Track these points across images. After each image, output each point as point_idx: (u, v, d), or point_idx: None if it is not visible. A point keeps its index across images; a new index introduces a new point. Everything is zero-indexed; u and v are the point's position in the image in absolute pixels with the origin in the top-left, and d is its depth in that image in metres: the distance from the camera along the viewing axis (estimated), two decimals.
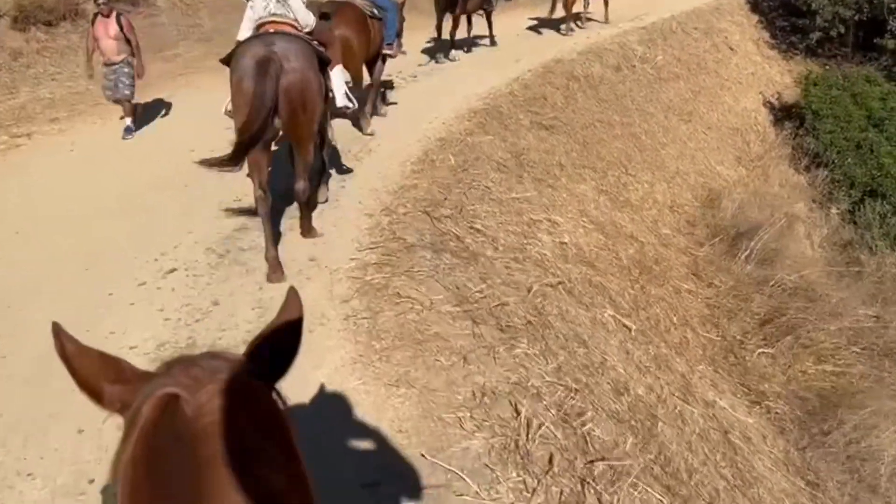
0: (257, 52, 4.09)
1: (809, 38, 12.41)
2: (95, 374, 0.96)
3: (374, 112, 7.41)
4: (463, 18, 10.08)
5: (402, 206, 5.18)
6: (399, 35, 7.69)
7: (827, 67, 11.68)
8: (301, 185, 4.52)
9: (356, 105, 5.35)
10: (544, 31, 11.85)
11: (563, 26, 11.62)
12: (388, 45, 7.26)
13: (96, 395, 0.96)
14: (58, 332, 0.97)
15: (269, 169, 4.55)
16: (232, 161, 4.01)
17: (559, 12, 11.65)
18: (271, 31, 4.41)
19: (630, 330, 4.88)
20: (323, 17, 5.50)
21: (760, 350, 5.57)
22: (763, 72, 12.35)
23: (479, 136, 7.10)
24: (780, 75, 12.53)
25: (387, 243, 4.56)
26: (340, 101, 5.00)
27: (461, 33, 10.29)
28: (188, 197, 5.58)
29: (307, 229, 4.82)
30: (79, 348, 0.97)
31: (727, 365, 5.49)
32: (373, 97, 7.38)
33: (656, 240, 7.26)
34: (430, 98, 8.20)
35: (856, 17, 11.85)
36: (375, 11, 6.82)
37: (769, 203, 9.21)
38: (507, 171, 6.60)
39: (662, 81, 10.61)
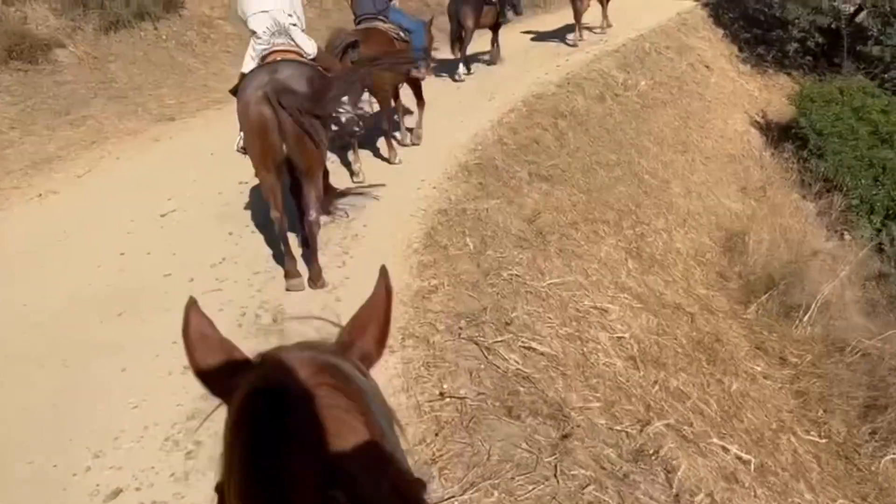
0: (261, 82, 4.15)
1: (786, 49, 11.72)
2: (211, 358, 0.95)
3: (400, 140, 7.30)
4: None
5: (431, 327, 3.87)
6: (428, 55, 7.49)
7: (807, 80, 10.98)
8: (314, 215, 4.48)
9: (362, 130, 5.36)
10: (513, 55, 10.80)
11: (570, 35, 11.84)
12: (416, 67, 7.08)
13: (207, 381, 0.94)
14: (190, 307, 0.99)
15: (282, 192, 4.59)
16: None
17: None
18: (278, 59, 4.45)
19: (749, 465, 3.68)
20: (352, 44, 5.90)
21: (891, 456, 4.46)
22: (742, 89, 11.66)
23: (483, 201, 5.91)
24: (759, 91, 11.88)
25: (434, 412, 3.21)
26: (348, 126, 5.02)
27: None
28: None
29: (317, 274, 4.61)
30: (203, 332, 0.98)
31: (851, 483, 4.36)
32: (416, 125, 7.51)
33: (699, 305, 6.20)
34: (411, 154, 6.96)
35: (832, 26, 11.16)
36: (402, 34, 6.77)
37: (786, 237, 8.33)
38: (529, 245, 5.42)
39: (649, 109, 9.69)
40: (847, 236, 8.78)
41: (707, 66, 11.77)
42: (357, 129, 5.23)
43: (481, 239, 5.12)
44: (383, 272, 1.08)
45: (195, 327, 0.99)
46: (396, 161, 6.87)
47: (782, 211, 9.10)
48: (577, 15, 11.30)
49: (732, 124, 10.79)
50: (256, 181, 6.48)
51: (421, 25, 7.40)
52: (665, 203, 8.29)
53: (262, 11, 4.62)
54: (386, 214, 5.58)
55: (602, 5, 12.10)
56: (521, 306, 4.37)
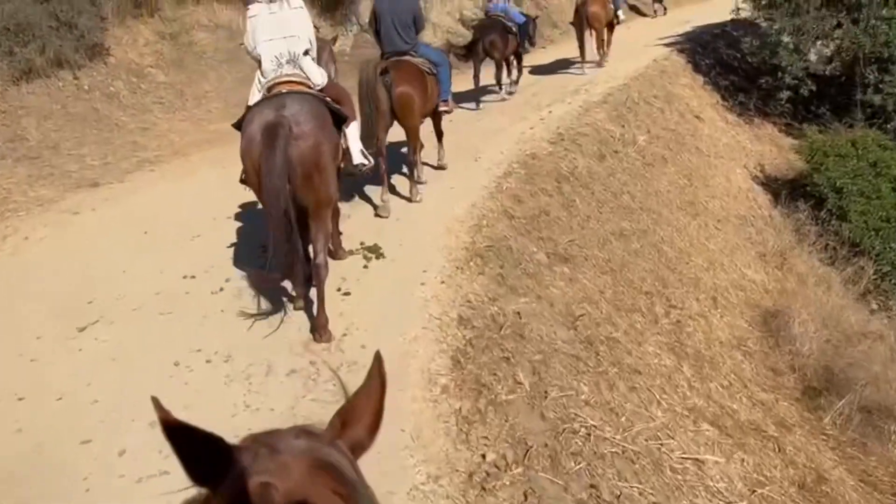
0: (266, 117, 3.96)
1: (778, 97, 10.96)
2: (194, 449, 0.93)
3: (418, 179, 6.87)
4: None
5: None
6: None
7: (805, 131, 10.19)
8: (321, 258, 4.22)
9: (372, 163, 5.23)
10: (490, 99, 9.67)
11: (575, 66, 12.34)
12: (444, 101, 7.06)
13: (192, 471, 0.92)
14: (158, 405, 0.97)
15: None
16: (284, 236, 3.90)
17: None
18: (284, 90, 4.25)
19: None
20: (383, 72, 5.91)
21: None
22: (734, 141, 10.87)
23: (510, 301, 4.68)
24: (750, 142, 11.13)
25: None
26: (356, 158, 4.91)
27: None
28: None
29: (323, 326, 4.22)
30: (179, 423, 0.95)
31: None
32: (439, 157, 7.48)
33: (774, 421, 5.07)
34: (403, 235, 5.66)
35: (826, 72, 10.44)
36: (431, 68, 6.69)
37: (822, 313, 7.28)
38: (585, 367, 4.22)
39: (651, 167, 8.69)
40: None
41: (697, 117, 10.92)
42: (366, 164, 5.02)
43: (531, 367, 3.78)
44: (377, 359, 1.07)
45: (168, 419, 0.94)
46: (417, 199, 6.55)
47: (807, 280, 8.14)
48: (581, 44, 11.87)
49: (735, 181, 9.88)
50: (210, 276, 5.13)
51: (446, 59, 7.40)
52: (690, 279, 7.19)
53: (272, 39, 4.45)
54: (388, 326, 4.20)
55: (601, 38, 12.25)
56: (614, 482, 3.01)
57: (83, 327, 4.59)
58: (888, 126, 10.19)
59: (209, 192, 7.14)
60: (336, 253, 5.17)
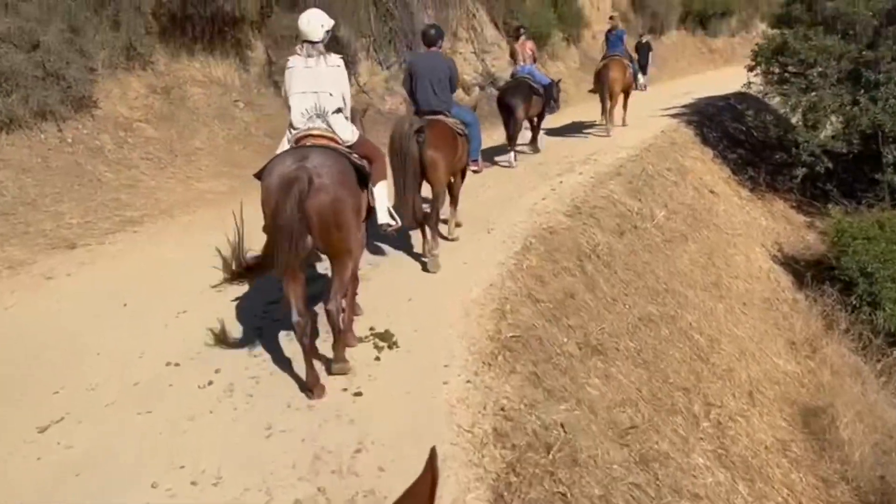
0: (286, 168, 3.95)
1: (794, 174, 10.63)
2: None
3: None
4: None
5: None
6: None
7: (830, 210, 9.78)
8: (333, 305, 4.13)
9: (399, 223, 5.10)
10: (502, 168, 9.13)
11: (598, 127, 12.79)
12: (474, 160, 7.16)
13: None
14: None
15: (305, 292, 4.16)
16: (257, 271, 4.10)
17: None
18: (308, 143, 4.32)
19: None
20: (418, 132, 5.89)
21: None
22: (749, 217, 10.43)
23: (549, 409, 4.16)
24: (765, 219, 10.69)
25: None
26: (382, 218, 4.83)
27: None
28: None
29: (339, 359, 4.30)
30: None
31: None
32: (450, 221, 7.12)
33: None
34: (420, 314, 5.03)
35: (843, 150, 10.10)
36: (463, 128, 6.75)
37: (866, 414, 6.69)
38: (642, 494, 3.41)
39: (671, 244, 8.19)
40: None
41: (712, 192, 10.51)
42: (392, 224, 4.91)
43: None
44: (432, 455, 1.03)
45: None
46: (435, 252, 6.28)
47: (841, 372, 7.52)
48: (604, 107, 12.23)
49: (755, 260, 9.40)
50: (198, 365, 4.45)
51: (478, 119, 7.43)
52: (723, 370, 6.59)
53: (304, 92, 4.47)
54: (410, 440, 3.52)
55: (617, 103, 12.52)
56: None
57: (45, 427, 3.86)
58: None
59: (198, 259, 6.48)
60: (346, 337, 4.64)
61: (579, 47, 20.86)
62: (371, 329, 4.90)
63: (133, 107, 9.19)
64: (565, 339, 5.20)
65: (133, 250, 6.77)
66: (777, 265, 9.52)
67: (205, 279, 5.86)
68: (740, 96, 16.36)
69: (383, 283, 5.86)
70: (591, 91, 13.06)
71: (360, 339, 4.77)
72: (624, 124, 12.82)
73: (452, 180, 6.87)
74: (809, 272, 9.05)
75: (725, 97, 15.91)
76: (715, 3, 26.31)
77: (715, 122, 13.79)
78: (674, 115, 13.78)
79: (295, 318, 4.03)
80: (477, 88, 16.40)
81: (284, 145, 4.52)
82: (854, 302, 8.27)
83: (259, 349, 4.72)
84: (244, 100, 10.63)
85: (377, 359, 4.53)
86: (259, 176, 4.16)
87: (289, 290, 4.05)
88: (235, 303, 5.44)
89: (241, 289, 5.61)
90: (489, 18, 17.98)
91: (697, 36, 26.45)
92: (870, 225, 8.69)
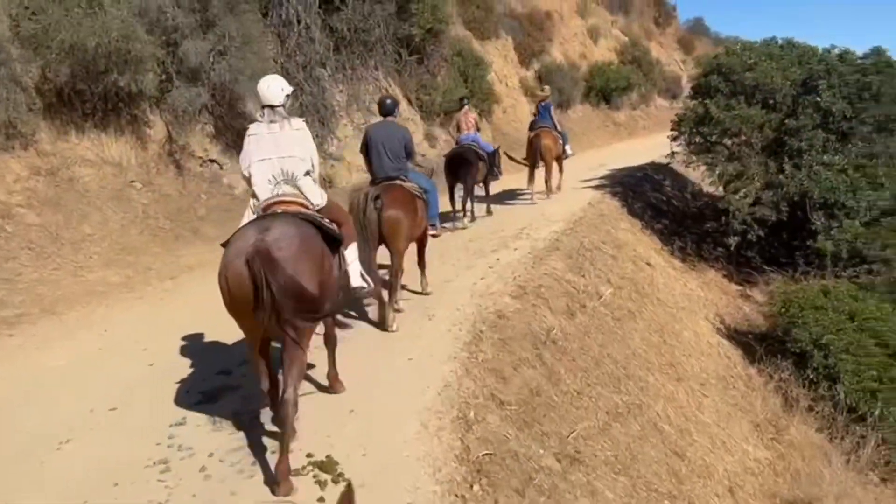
0: (247, 240, 3.75)
1: (727, 243, 10.45)
2: None
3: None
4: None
5: None
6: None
7: (770, 280, 9.55)
8: (290, 393, 3.65)
9: (372, 286, 5.05)
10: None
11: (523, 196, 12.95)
12: (432, 225, 7.23)
13: None
14: None
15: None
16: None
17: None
18: (279, 210, 4.18)
19: None
20: (375, 199, 6.01)
21: None
22: (686, 288, 10.09)
23: None
24: (702, 290, 10.38)
25: None
26: (355, 281, 4.66)
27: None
28: None
29: (284, 465, 3.64)
30: None
31: None
32: (422, 286, 7.26)
33: None
34: (366, 431, 4.09)
35: (774, 218, 9.99)
36: (421, 193, 6.78)
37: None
38: None
39: (621, 323, 7.67)
40: None
41: (648, 264, 10.13)
42: (364, 287, 4.81)
43: None
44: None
45: None
46: (394, 328, 6.15)
47: (811, 456, 7.03)
48: (531, 175, 12.59)
49: (703, 335, 8.96)
50: None
51: (435, 186, 7.74)
52: (700, 466, 5.96)
53: (269, 158, 4.32)
54: None
55: (549, 172, 12.84)
56: None
57: None
58: (844, 274, 9.69)
59: (88, 370, 5.34)
60: (334, 384, 4.79)
61: (491, 122, 20.87)
62: (309, 457, 3.91)
63: (12, 191, 7.96)
64: (542, 451, 4.37)
65: (5, 360, 5.54)
66: (724, 339, 9.12)
67: (95, 397, 4.75)
68: (656, 167, 16.55)
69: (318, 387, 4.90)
70: (524, 160, 13.23)
71: (297, 472, 3.78)
72: (558, 189, 13.15)
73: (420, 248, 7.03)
74: (760, 346, 8.66)
75: (641, 168, 16.00)
76: (616, 79, 27.21)
77: (637, 192, 13.68)
78: (596, 187, 13.60)
79: (264, 384, 3.96)
80: (421, 156, 15.91)
81: (249, 216, 4.33)
82: (811, 375, 7.88)
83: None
84: (141, 180, 9.52)
85: (321, 501, 3.54)
86: (225, 245, 3.98)
87: (258, 364, 3.95)
88: (138, 425, 4.35)
89: (145, 407, 4.54)
90: (402, 94, 17.60)
91: (601, 110, 27.18)
92: (815, 294, 8.43)
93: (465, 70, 19.76)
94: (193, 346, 5.82)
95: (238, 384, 5.06)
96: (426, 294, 7.19)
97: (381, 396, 4.81)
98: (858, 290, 8.82)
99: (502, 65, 23.26)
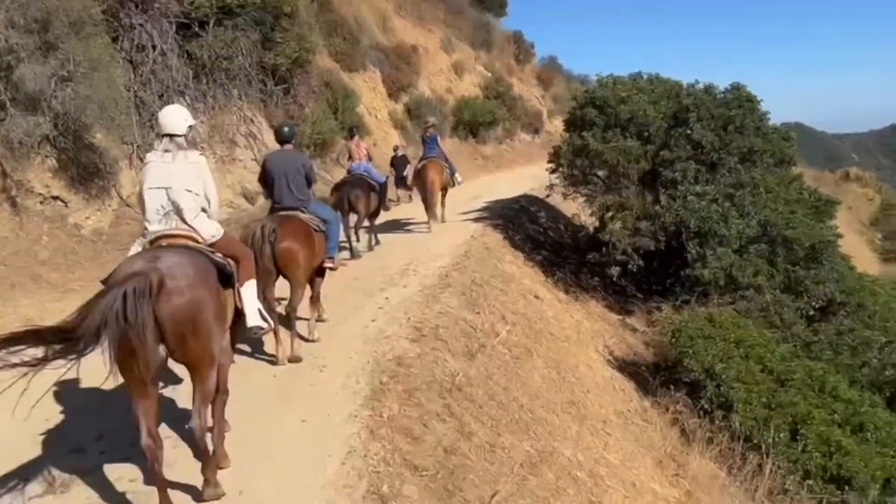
0: (133, 270, 3.53)
1: (608, 273, 10.51)
2: None
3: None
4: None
5: None
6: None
7: (625, 306, 9.60)
8: (197, 422, 3.68)
9: (271, 325, 4.85)
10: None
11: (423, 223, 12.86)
12: (330, 258, 6.95)
13: None
14: None
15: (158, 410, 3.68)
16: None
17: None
18: (164, 244, 4.03)
19: None
20: (273, 231, 5.94)
21: None
22: (574, 321, 9.98)
23: None
24: (588, 321, 10.34)
25: None
26: (252, 320, 4.34)
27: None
28: None
29: (211, 484, 3.76)
30: None
31: None
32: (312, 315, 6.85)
33: None
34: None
35: (653, 247, 10.13)
36: (320, 225, 6.65)
37: None
38: None
39: (520, 362, 7.35)
40: None
41: (536, 297, 9.90)
42: (263, 327, 4.44)
43: None
44: None
45: None
46: (295, 356, 6.10)
47: (709, 489, 6.90)
48: (427, 205, 12.61)
49: (596, 368, 8.76)
50: None
51: (337, 217, 7.61)
52: None
53: (158, 188, 4.11)
54: None
55: (434, 202, 12.75)
56: None
57: None
58: (719, 301, 9.92)
59: None
60: (218, 458, 4.01)
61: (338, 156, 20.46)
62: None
63: None
64: None
65: None
66: (616, 371, 8.99)
67: None
68: (530, 199, 16.63)
69: (191, 462, 4.08)
70: (414, 190, 13.65)
71: None
72: (442, 221, 13.09)
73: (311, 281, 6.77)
74: (653, 377, 8.59)
75: (517, 200, 16.00)
76: (482, 113, 27.57)
77: (516, 224, 13.58)
78: (476, 219, 13.39)
79: (145, 440, 3.50)
80: (262, 196, 15.00)
81: (136, 248, 4.19)
82: (705, 405, 7.85)
83: None
84: None
85: None
86: (105, 281, 3.71)
87: (138, 408, 3.54)
88: None
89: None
90: (268, 124, 16.73)
91: (469, 143, 27.39)
92: (704, 323, 8.48)
93: (333, 101, 19.25)
94: (37, 418, 4.81)
95: (95, 466, 4.16)
96: (313, 341, 6.54)
97: (276, 470, 4.08)
98: (739, 317, 9.00)
99: (371, 97, 22.93)
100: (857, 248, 25.61)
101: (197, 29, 13.69)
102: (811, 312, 10.63)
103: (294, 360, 6.03)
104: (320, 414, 4.93)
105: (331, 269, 7.07)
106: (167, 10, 12.86)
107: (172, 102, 12.98)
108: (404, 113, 24.42)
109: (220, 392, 4.20)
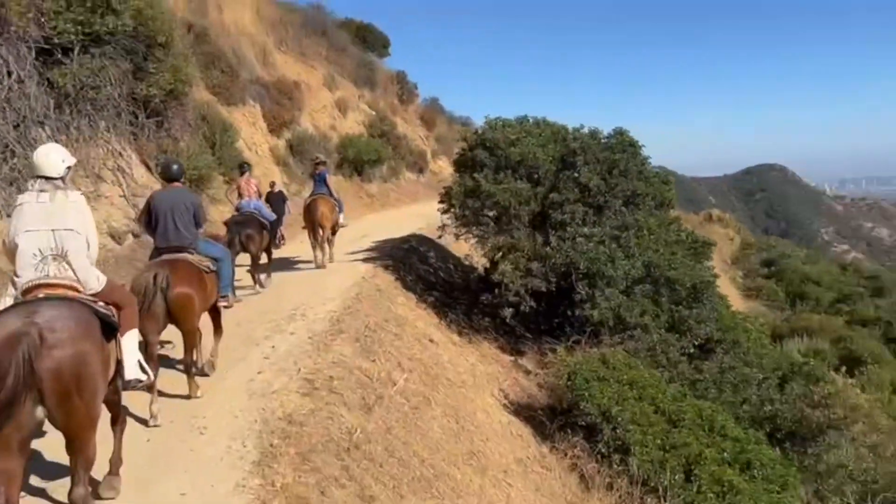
0: (9, 326, 3.28)
1: (502, 315, 10.43)
2: None
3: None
4: None
5: None
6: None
7: (516, 347, 9.55)
8: (80, 491, 3.52)
9: (151, 377, 4.68)
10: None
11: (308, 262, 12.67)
12: (224, 296, 6.86)
13: None
14: None
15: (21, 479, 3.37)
16: None
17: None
18: (40, 295, 3.69)
19: None
20: (166, 279, 5.65)
21: None
22: (469, 364, 9.78)
23: None
24: (482, 364, 10.17)
25: None
26: (131, 372, 4.17)
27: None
28: None
29: None
30: None
31: None
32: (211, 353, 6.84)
33: None
34: None
35: (544, 289, 10.16)
36: (210, 265, 6.47)
37: None
38: None
39: (419, 412, 7.03)
40: None
41: (431, 341, 9.60)
42: (142, 379, 4.27)
43: None
44: None
45: None
46: (198, 395, 5.97)
47: None
48: (316, 242, 12.35)
49: (493, 414, 8.53)
50: None
51: (228, 253, 7.40)
52: None
53: (37, 230, 3.83)
54: None
55: (323, 240, 12.55)
56: None
57: None
58: (610, 341, 10.02)
59: None
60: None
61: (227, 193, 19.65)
62: None
63: None
64: None
65: None
66: (513, 416, 8.79)
67: None
68: (419, 239, 16.43)
69: None
70: (303, 228, 13.11)
71: None
72: (331, 260, 12.73)
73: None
74: (550, 421, 8.46)
75: (406, 240, 15.74)
76: (367, 151, 27.33)
77: (407, 265, 13.27)
78: (365, 259, 12.98)
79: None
80: (131, 236, 13.94)
81: (6, 302, 3.82)
82: (602, 449, 7.79)
83: None
84: None
85: None
86: None
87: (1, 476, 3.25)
88: None
89: None
90: (139, 159, 15.68)
91: (354, 182, 27.03)
92: (598, 365, 8.47)
93: (211, 135, 18.39)
94: None
95: None
96: (195, 398, 5.93)
97: None
98: (630, 358, 9.10)
99: (251, 132, 22.17)
100: (722, 287, 27.23)
101: (60, 56, 12.67)
102: (691, 350, 11.00)
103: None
104: (203, 484, 4.37)
105: (225, 307, 6.98)
106: (25, 35, 11.82)
107: (30, 133, 11.94)
108: (286, 149, 23.77)
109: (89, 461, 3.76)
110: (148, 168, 16.02)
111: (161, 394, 5.71)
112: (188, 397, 5.96)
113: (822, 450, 10.24)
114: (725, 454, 7.91)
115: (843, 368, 17.11)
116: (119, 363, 4.08)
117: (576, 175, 10.86)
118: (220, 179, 18.43)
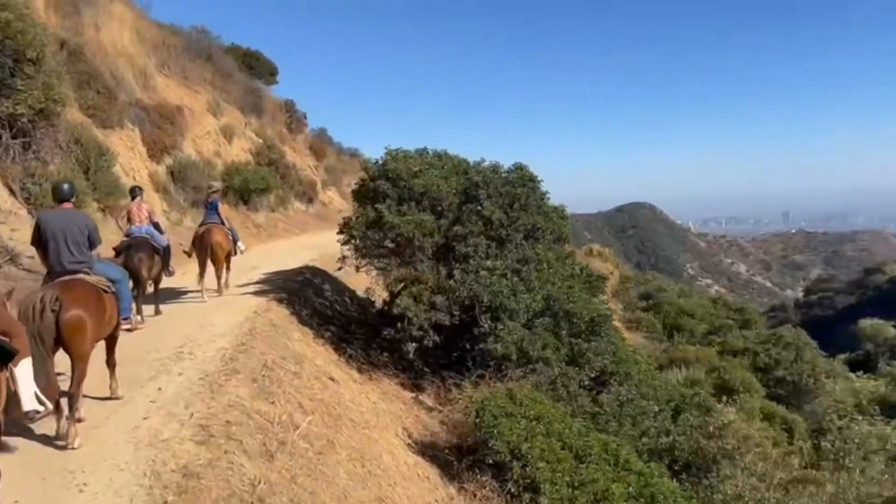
0: None
1: (404, 350, 10.12)
2: None
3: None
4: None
5: None
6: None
7: (416, 383, 9.29)
8: None
9: (50, 408, 4.70)
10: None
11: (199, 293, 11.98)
12: (126, 318, 6.76)
13: None
14: None
15: None
16: None
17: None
18: None
19: None
20: (55, 300, 5.36)
21: None
22: (370, 402, 9.38)
23: None
24: (384, 402, 9.77)
25: None
26: (28, 404, 4.22)
27: None
28: None
29: None
30: None
31: None
32: (111, 381, 6.60)
33: None
34: None
35: (448, 322, 9.97)
36: (110, 286, 6.24)
37: None
38: None
39: (324, 457, 6.60)
40: None
41: (332, 379, 9.09)
42: (40, 410, 4.30)
43: None
44: None
45: None
46: (76, 445, 5.25)
47: None
48: (204, 272, 11.96)
49: (398, 455, 8.11)
50: None
51: (125, 274, 7.24)
52: None
53: None
54: None
55: (221, 270, 12.37)
56: None
57: None
58: (513, 375, 9.89)
59: None
60: None
61: (120, 217, 18.33)
62: None
63: None
64: None
65: None
66: (418, 456, 8.41)
67: None
68: (314, 271, 15.83)
69: None
70: (186, 253, 12.69)
71: None
72: (226, 287, 12.52)
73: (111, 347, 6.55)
74: (457, 460, 8.15)
75: (300, 272, 15.12)
76: (254, 180, 26.39)
77: (302, 298, 12.67)
78: (257, 293, 12.28)
79: None
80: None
81: None
82: (512, 489, 7.56)
83: None
84: None
85: None
86: None
87: None
88: None
89: None
90: (3, 183, 14.35)
91: (241, 211, 25.95)
92: (505, 400, 8.28)
93: (84, 159, 17.10)
94: None
95: None
96: (71, 448, 5.21)
97: None
98: (535, 392, 8.99)
99: (129, 157, 20.83)
100: None
101: None
102: (586, 382, 11.08)
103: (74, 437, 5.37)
104: None
105: (128, 330, 6.75)
106: None
107: None
108: (167, 175, 22.52)
109: None
110: (13, 193, 14.64)
111: (33, 438, 5.01)
112: (64, 448, 5.26)
113: (718, 480, 10.52)
114: (631, 489, 7.90)
115: (724, 398, 17.89)
116: (14, 395, 3.85)
117: (479, 208, 10.80)
118: (95, 206, 17.16)
